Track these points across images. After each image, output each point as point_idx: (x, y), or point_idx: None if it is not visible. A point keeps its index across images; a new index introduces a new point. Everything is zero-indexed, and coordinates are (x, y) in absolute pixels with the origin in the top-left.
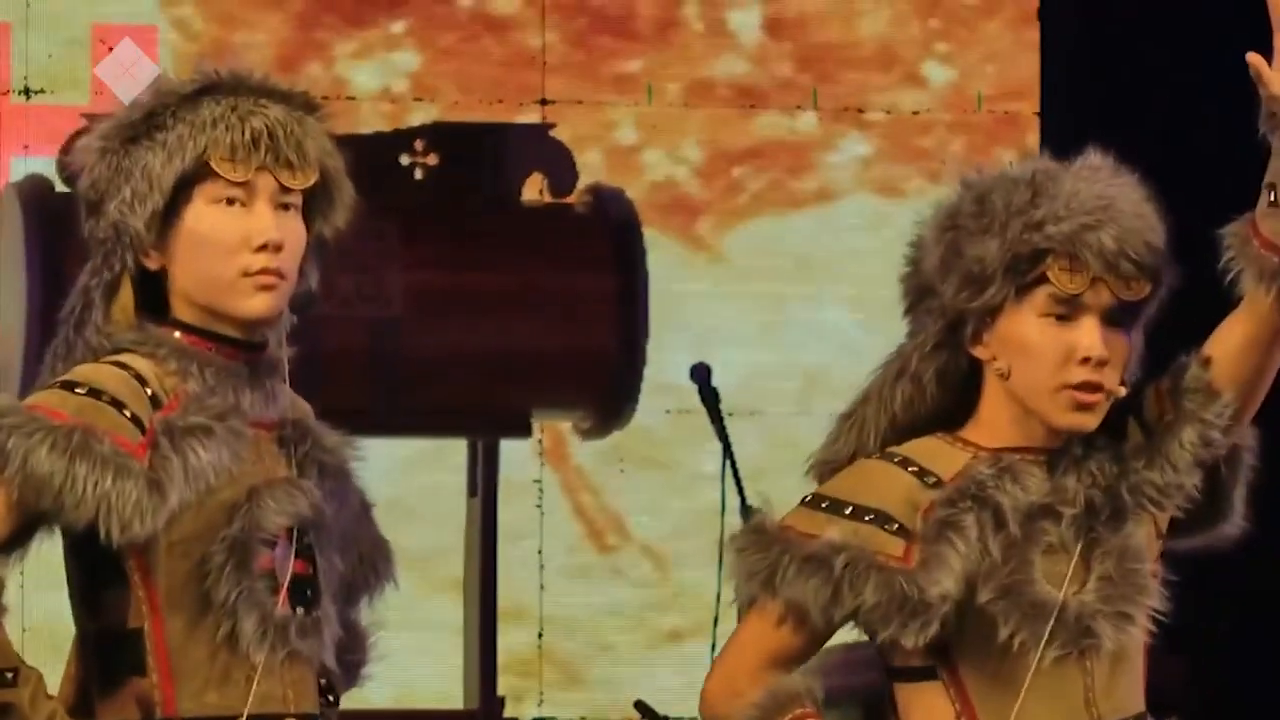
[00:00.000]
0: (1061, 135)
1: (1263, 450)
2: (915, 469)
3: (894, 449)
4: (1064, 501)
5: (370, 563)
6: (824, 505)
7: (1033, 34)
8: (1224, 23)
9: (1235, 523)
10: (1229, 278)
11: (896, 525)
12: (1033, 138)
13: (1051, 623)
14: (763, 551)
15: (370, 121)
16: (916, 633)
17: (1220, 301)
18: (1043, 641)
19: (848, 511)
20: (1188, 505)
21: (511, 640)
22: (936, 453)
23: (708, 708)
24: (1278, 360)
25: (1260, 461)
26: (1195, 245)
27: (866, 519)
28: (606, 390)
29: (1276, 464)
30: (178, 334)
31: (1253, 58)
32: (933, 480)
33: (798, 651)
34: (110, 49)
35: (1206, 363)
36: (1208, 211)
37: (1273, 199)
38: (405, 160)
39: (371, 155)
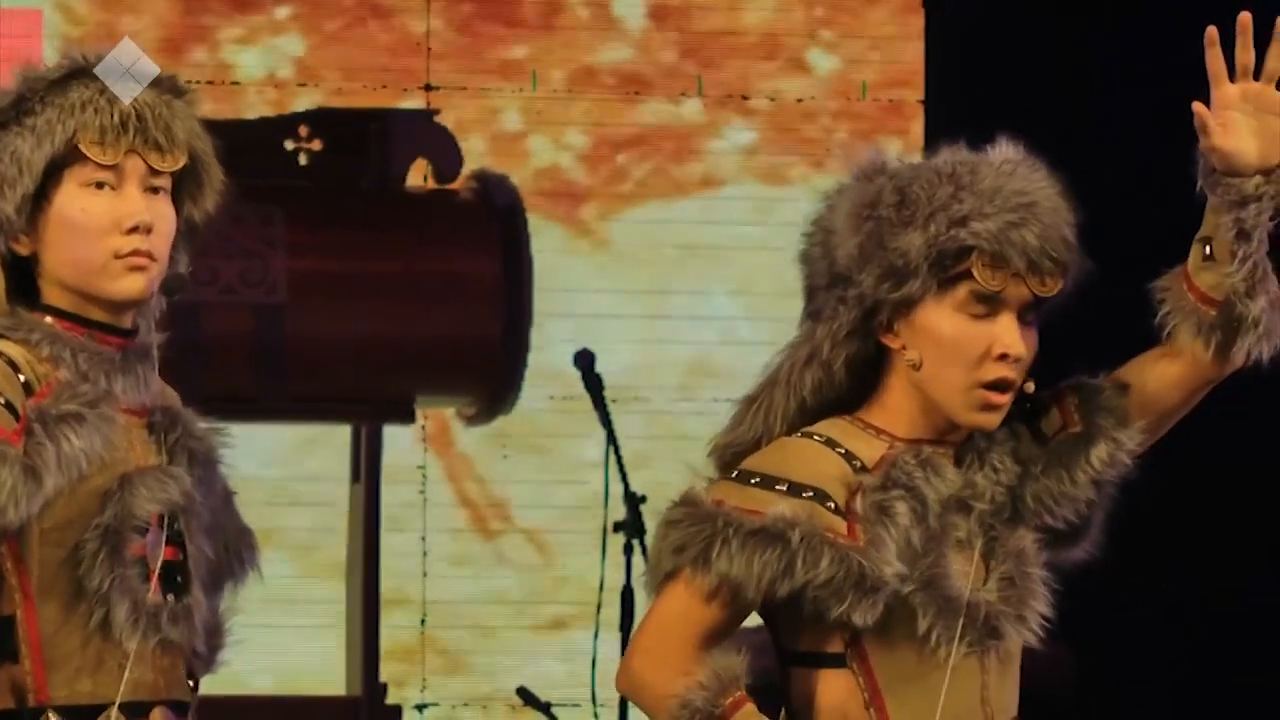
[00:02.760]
0: (947, 123)
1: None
2: (842, 451)
3: (811, 429)
4: (975, 496)
5: (235, 551)
6: (754, 481)
7: (917, 22)
8: (1110, 8)
9: (1087, 548)
10: (1165, 331)
11: (833, 504)
12: (917, 126)
13: (963, 619)
14: (698, 525)
15: (255, 107)
16: (867, 610)
17: (1107, 297)
18: (957, 636)
19: (782, 488)
20: (1073, 520)
21: (394, 626)
22: (853, 437)
23: (634, 682)
24: (1194, 403)
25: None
26: (1082, 235)
27: (805, 495)
28: (490, 376)
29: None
30: (50, 319)
31: (1198, 108)
32: (858, 464)
33: (724, 627)
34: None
35: (1125, 389)
36: (1094, 200)
37: (1207, 253)
38: (290, 146)
39: (256, 140)
